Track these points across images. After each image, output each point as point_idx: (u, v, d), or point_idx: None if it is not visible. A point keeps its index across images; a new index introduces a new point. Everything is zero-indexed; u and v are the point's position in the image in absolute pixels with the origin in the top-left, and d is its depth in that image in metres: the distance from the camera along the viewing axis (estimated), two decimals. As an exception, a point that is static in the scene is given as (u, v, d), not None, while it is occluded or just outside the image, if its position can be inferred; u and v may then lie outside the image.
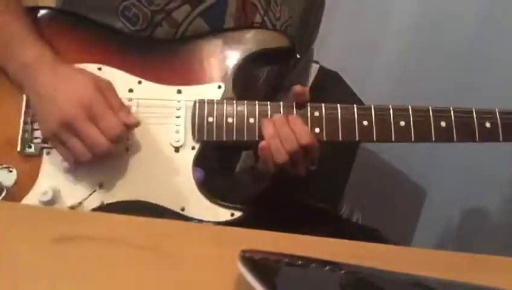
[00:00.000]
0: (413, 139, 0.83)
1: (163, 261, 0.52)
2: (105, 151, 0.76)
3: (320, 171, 0.85)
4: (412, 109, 0.83)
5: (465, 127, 0.83)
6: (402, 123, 0.82)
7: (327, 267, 0.48)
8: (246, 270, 0.44)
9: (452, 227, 1.51)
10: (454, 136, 0.83)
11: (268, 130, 0.81)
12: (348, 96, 1.38)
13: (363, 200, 1.54)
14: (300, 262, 0.48)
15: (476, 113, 0.83)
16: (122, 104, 0.80)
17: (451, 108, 0.83)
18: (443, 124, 0.83)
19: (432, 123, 0.83)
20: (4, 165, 0.80)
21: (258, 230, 0.61)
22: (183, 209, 0.80)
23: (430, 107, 0.83)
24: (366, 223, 1.48)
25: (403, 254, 0.63)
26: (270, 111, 0.83)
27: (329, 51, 1.51)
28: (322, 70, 1.44)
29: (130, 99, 0.82)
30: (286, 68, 1.00)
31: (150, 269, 0.49)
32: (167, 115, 0.83)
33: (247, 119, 0.83)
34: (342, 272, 0.48)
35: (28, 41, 0.80)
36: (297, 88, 0.83)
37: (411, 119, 0.82)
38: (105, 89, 0.78)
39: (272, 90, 0.98)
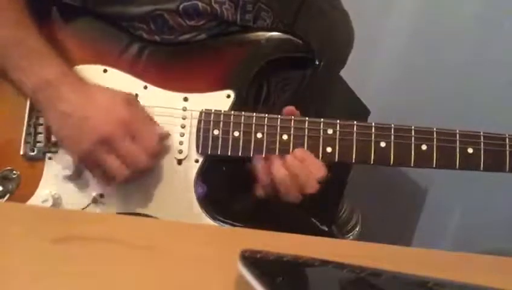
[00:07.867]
0: (434, 165, 0.78)
1: (162, 261, 0.51)
2: (145, 168, 0.74)
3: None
4: (436, 132, 0.77)
5: (495, 156, 0.77)
6: (424, 147, 0.77)
7: (327, 267, 0.48)
8: (246, 270, 0.43)
9: (452, 227, 1.51)
10: (482, 164, 0.77)
11: (278, 169, 0.77)
12: (348, 96, 1.38)
13: (363, 200, 1.54)
14: (300, 262, 0.48)
15: (509, 140, 0.77)
16: (150, 117, 0.77)
17: (481, 133, 0.77)
18: (470, 150, 0.77)
19: (458, 148, 0.77)
20: (8, 168, 0.80)
21: (258, 230, 0.61)
22: None
23: (457, 131, 0.77)
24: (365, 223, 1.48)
25: (403, 254, 0.63)
26: (280, 125, 0.78)
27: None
28: (322, 70, 1.43)
29: None
30: (304, 78, 0.91)
31: (149, 269, 0.49)
32: (172, 124, 0.79)
33: (255, 134, 0.78)
34: (342, 271, 0.48)
35: (50, 57, 0.75)
36: (289, 110, 0.80)
37: (434, 143, 0.77)
38: (134, 104, 0.76)
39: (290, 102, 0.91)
